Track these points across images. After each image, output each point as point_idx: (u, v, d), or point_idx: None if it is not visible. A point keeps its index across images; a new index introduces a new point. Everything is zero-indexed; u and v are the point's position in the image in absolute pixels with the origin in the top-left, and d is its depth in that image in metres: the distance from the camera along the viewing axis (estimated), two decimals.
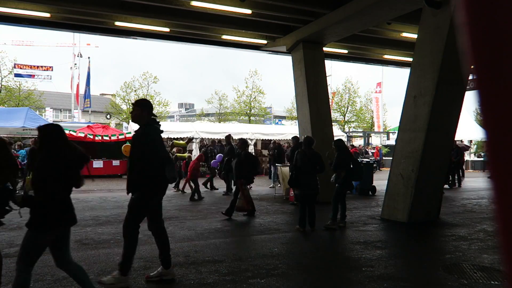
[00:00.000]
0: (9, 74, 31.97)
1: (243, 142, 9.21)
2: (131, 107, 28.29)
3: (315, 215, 7.44)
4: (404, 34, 12.25)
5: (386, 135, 33.16)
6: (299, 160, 7.38)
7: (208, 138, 21.08)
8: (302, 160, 7.35)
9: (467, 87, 9.33)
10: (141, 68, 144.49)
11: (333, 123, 14.72)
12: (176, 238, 6.73)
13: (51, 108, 42.07)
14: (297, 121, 14.56)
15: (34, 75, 33.84)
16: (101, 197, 12.04)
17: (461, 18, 0.63)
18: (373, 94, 38.70)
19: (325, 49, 12.60)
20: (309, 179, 7.35)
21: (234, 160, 9.19)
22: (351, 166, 7.93)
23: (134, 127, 19.66)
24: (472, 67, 0.63)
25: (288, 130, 23.05)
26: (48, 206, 3.38)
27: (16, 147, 17.57)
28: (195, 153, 19.98)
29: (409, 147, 8.42)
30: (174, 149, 19.10)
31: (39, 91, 33.77)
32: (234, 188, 9.40)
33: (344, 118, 39.89)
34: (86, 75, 34.30)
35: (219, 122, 36.33)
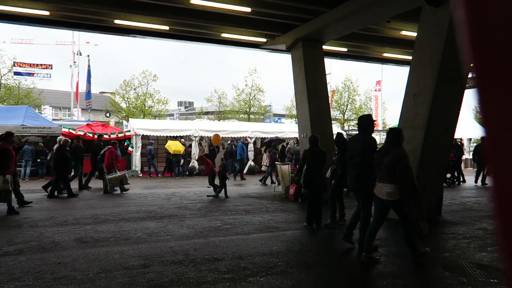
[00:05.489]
0: (8, 72, 31.94)
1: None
2: (130, 105, 28.38)
3: (321, 213, 7.48)
4: (404, 32, 12.24)
5: (385, 133, 33.14)
6: (309, 158, 7.37)
7: (207, 137, 21.06)
8: (312, 159, 7.36)
9: (467, 85, 9.33)
10: (124, 65, 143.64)
11: (332, 121, 14.73)
12: (176, 236, 6.74)
13: (50, 106, 42.06)
14: (296, 119, 14.56)
15: (33, 73, 33.82)
16: (100, 195, 12.04)
17: (461, 16, 0.63)
18: (372, 92, 38.69)
19: (324, 47, 12.60)
20: (317, 178, 7.38)
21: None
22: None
23: (133, 125, 19.67)
24: (471, 65, 0.63)
25: (287, 128, 23.04)
26: None
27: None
28: (194, 151, 19.98)
29: (408, 146, 8.39)
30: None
31: (38, 89, 33.73)
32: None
33: (344, 116, 39.89)
34: (86, 73, 34.21)
35: (219, 120, 36.32)
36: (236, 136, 21.15)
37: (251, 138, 21.12)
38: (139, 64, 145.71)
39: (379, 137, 34.01)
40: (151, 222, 7.94)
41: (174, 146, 18.11)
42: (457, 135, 11.93)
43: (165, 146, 18.77)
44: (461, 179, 16.65)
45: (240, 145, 19.39)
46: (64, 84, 54.11)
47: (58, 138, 12.46)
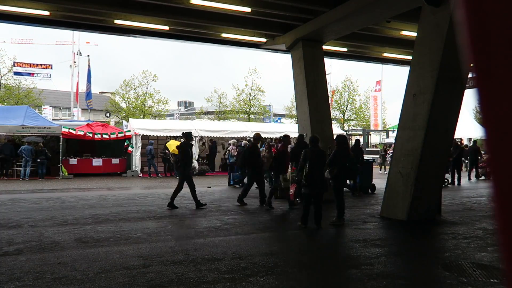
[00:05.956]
0: (8, 72, 31.94)
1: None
2: (130, 105, 28.32)
3: (321, 213, 7.49)
4: (404, 32, 12.23)
5: (385, 133, 33.16)
6: (310, 158, 7.36)
7: (207, 136, 21.07)
8: (312, 159, 7.36)
9: (467, 85, 9.33)
10: (122, 65, 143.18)
11: (332, 121, 14.75)
12: (175, 236, 6.74)
13: (50, 106, 42.06)
14: (296, 119, 14.58)
15: (33, 73, 33.83)
16: (100, 195, 12.04)
17: (461, 16, 0.63)
18: (372, 92, 38.69)
19: (324, 47, 12.59)
20: (319, 177, 7.39)
21: None
22: (347, 164, 7.94)
23: (133, 125, 19.66)
24: (471, 65, 0.63)
25: (287, 128, 23.02)
26: None
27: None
28: (194, 151, 19.98)
29: (408, 145, 8.42)
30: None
31: (38, 89, 33.74)
32: None
33: (344, 116, 39.90)
34: (86, 73, 34.22)
35: (219, 120, 36.34)
36: (236, 136, 21.15)
37: (251, 137, 21.11)
38: (137, 64, 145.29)
39: (379, 137, 34.03)
40: (151, 222, 7.94)
41: (174, 146, 18.13)
42: (457, 135, 11.94)
43: (166, 144, 18.79)
44: (457, 181, 16.39)
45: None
46: (64, 84, 54.04)
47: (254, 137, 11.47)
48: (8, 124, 17.00)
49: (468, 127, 23.80)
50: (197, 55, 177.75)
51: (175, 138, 19.51)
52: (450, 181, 16.06)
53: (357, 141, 14.14)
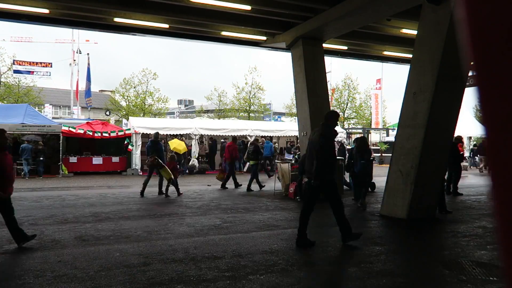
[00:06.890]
0: (8, 70, 31.93)
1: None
2: (130, 104, 28.39)
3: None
4: (404, 31, 12.22)
5: (385, 132, 33.15)
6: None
7: (207, 135, 21.08)
8: None
9: (467, 83, 9.32)
10: (120, 64, 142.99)
11: None
12: (176, 234, 6.75)
13: (50, 104, 42.05)
14: (296, 117, 14.56)
15: (33, 72, 33.79)
16: (100, 193, 12.05)
17: (461, 14, 0.63)
18: (372, 90, 38.68)
19: (324, 45, 12.58)
20: None
21: None
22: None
23: (133, 123, 19.66)
24: (471, 63, 0.63)
25: (287, 127, 23.05)
26: None
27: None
28: (194, 149, 19.99)
29: (408, 144, 8.43)
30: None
31: (38, 88, 33.73)
32: None
33: (344, 115, 39.90)
34: (86, 72, 34.21)
35: (219, 119, 36.34)
36: (236, 135, 21.16)
37: (251, 136, 21.11)
38: (135, 62, 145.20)
39: (379, 136, 34.03)
40: (151, 220, 7.95)
41: (175, 144, 18.20)
42: (457, 133, 11.85)
43: (169, 142, 18.82)
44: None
45: (270, 145, 20.40)
46: (64, 83, 54.11)
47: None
48: (8, 122, 16.98)
49: (468, 125, 23.80)
50: (194, 54, 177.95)
51: (175, 136, 19.52)
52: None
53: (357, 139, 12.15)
